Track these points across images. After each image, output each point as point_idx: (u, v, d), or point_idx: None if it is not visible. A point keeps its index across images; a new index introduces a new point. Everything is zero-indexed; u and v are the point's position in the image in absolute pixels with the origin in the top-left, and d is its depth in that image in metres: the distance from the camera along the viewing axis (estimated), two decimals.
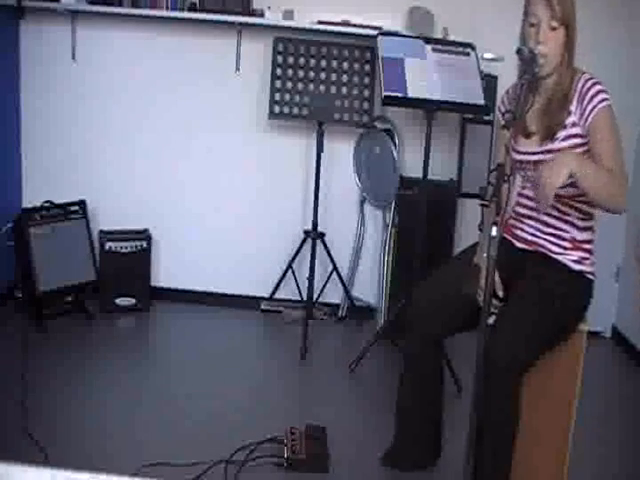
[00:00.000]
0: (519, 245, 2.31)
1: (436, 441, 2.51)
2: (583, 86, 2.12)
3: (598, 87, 2.11)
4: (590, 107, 2.09)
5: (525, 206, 2.30)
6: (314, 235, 3.71)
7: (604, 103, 2.09)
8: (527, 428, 2.14)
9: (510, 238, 2.34)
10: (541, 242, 2.26)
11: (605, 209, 2.12)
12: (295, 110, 3.71)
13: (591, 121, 2.09)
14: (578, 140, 2.13)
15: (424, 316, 2.32)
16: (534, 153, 2.21)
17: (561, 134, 2.14)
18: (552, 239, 2.24)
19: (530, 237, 2.29)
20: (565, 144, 2.14)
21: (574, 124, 2.13)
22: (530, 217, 2.28)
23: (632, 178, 3.86)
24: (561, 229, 2.23)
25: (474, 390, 1.87)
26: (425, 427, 2.48)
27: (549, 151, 2.17)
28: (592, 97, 2.10)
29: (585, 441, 2.63)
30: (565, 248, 2.22)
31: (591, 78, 2.14)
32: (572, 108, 2.13)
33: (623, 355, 3.88)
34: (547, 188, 1.93)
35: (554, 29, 2.10)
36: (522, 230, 2.31)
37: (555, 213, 2.22)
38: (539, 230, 2.26)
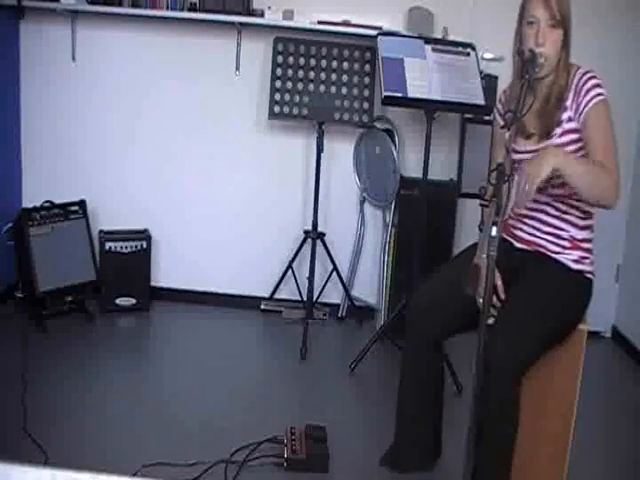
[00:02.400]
0: (518, 245, 2.31)
1: (436, 442, 2.50)
2: (579, 80, 2.13)
3: (594, 81, 2.12)
4: (585, 101, 2.11)
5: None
6: (314, 235, 3.71)
7: (599, 97, 2.10)
8: (527, 428, 2.14)
9: (509, 238, 2.34)
10: (540, 242, 2.26)
11: (597, 204, 2.10)
12: (295, 110, 3.71)
13: (585, 115, 2.11)
14: (574, 135, 2.14)
15: (423, 318, 2.31)
16: (531, 152, 2.21)
17: (557, 131, 2.15)
18: (551, 238, 2.24)
19: (529, 237, 2.29)
20: (562, 140, 2.15)
21: (570, 119, 2.14)
22: (529, 217, 2.28)
23: (632, 178, 3.88)
24: (560, 228, 2.23)
25: (474, 390, 1.87)
26: (425, 428, 2.47)
27: (547, 148, 2.17)
28: (587, 91, 2.11)
29: (585, 441, 2.64)
30: (564, 247, 2.22)
31: (587, 72, 2.15)
32: (568, 103, 2.14)
33: (623, 355, 3.88)
34: (529, 183, 1.92)
35: (552, 30, 2.11)
36: (521, 230, 2.31)
37: (554, 212, 2.22)
38: (538, 230, 2.26)
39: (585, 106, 2.10)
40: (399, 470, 2.51)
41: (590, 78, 2.13)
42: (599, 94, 2.10)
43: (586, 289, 2.22)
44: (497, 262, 1.78)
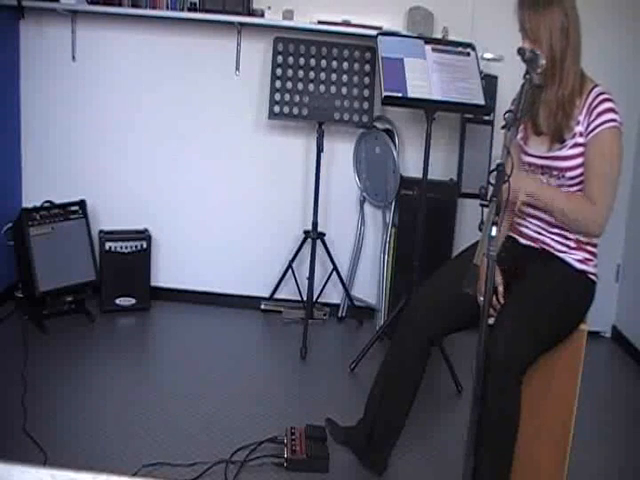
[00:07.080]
0: (523, 242, 2.32)
1: (387, 452, 2.47)
2: (594, 100, 2.13)
3: (608, 105, 2.11)
4: (595, 124, 2.11)
5: (531, 205, 2.31)
6: (314, 235, 3.71)
7: (610, 124, 2.09)
8: (527, 428, 2.14)
9: (514, 235, 2.35)
10: (546, 240, 2.26)
11: (576, 232, 2.20)
12: (295, 110, 3.71)
13: (591, 139, 2.12)
14: (583, 149, 2.14)
15: (421, 316, 2.29)
16: (542, 157, 2.22)
17: (569, 142, 2.15)
18: (557, 238, 2.24)
19: (535, 234, 2.29)
20: (572, 152, 2.16)
21: (581, 134, 2.14)
22: (535, 216, 2.29)
23: (632, 178, 3.88)
24: (566, 229, 2.23)
25: (474, 390, 1.87)
26: (386, 433, 2.44)
27: (556, 158, 2.18)
28: (599, 114, 2.10)
29: (585, 441, 2.64)
30: (570, 247, 2.23)
31: (603, 93, 2.14)
32: (580, 118, 2.14)
33: (623, 355, 3.88)
34: (512, 195, 2.03)
35: (529, 41, 2.15)
36: (527, 228, 2.32)
37: None
38: (544, 229, 2.27)
39: (594, 129, 2.10)
40: (352, 450, 2.52)
41: (604, 100, 2.11)
42: (611, 120, 2.09)
43: (588, 290, 2.22)
44: (500, 262, 1.78)
